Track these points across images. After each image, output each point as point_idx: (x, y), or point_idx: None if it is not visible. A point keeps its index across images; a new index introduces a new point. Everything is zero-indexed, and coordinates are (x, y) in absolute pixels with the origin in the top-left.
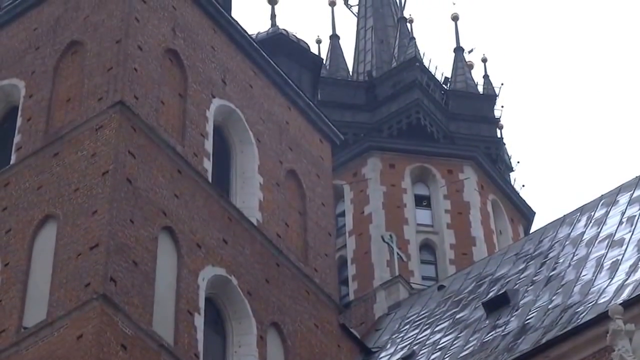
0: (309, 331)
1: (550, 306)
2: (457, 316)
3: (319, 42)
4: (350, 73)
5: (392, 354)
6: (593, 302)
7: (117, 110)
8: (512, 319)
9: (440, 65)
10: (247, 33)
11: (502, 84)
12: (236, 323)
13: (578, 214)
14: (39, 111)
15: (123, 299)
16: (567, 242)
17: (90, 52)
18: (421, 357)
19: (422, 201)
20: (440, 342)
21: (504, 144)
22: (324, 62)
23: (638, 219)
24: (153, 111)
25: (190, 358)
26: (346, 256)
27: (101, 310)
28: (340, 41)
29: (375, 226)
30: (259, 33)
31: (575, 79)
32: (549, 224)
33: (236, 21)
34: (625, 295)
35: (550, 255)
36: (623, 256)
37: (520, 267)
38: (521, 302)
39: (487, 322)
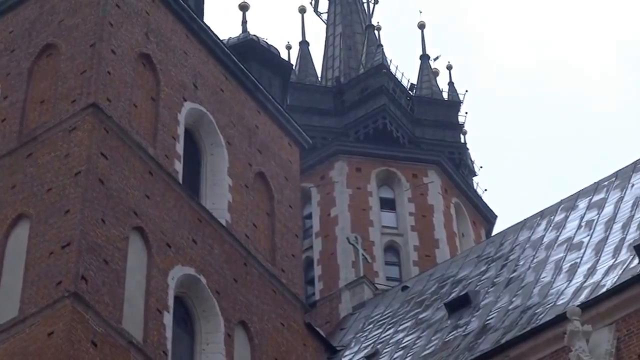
0: (276, 330)
1: (510, 307)
2: (420, 316)
3: (288, 48)
4: (319, 79)
5: (356, 353)
6: (552, 304)
7: (90, 113)
8: (473, 319)
9: (406, 72)
10: (218, 38)
11: (466, 91)
12: (204, 321)
13: (538, 218)
14: (14, 112)
15: (94, 297)
16: (527, 245)
17: (65, 55)
18: (384, 356)
19: (387, 204)
20: (403, 342)
21: (468, 149)
22: (294, 67)
23: (596, 223)
24: (125, 114)
25: (159, 355)
26: (312, 257)
27: (72, 308)
28: (310, 47)
29: (341, 228)
30: (230, 38)
31: (538, 86)
32: (510, 227)
33: (208, 27)
34: (583, 297)
35: (511, 257)
36: (581, 259)
37: (482, 269)
38: (482, 303)
39: (449, 322)
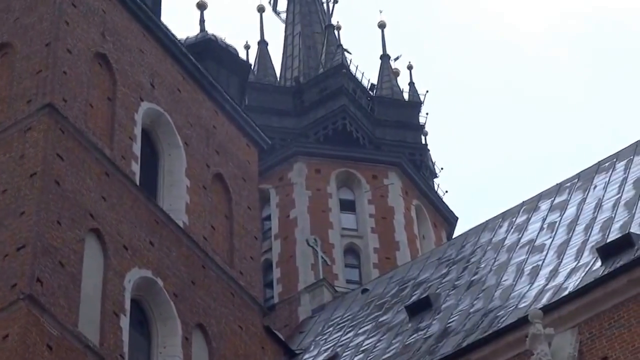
0: (234, 333)
1: (471, 310)
2: (380, 319)
3: (247, 47)
4: (278, 79)
5: (315, 356)
6: (513, 307)
7: (45, 113)
8: (434, 322)
9: (366, 72)
10: (176, 38)
11: (427, 91)
12: (161, 324)
13: (500, 220)
14: None
15: (49, 300)
16: (488, 248)
17: (20, 55)
18: (344, 359)
19: (347, 206)
20: (363, 345)
21: (429, 151)
22: (252, 67)
23: (558, 225)
24: (82, 114)
25: (115, 359)
26: (271, 259)
27: (27, 310)
28: (269, 47)
29: (301, 230)
30: (188, 38)
31: (498, 86)
32: (471, 229)
33: (165, 26)
34: (545, 300)
35: (472, 260)
36: (543, 262)
37: (443, 272)
38: (443, 305)
39: (410, 325)
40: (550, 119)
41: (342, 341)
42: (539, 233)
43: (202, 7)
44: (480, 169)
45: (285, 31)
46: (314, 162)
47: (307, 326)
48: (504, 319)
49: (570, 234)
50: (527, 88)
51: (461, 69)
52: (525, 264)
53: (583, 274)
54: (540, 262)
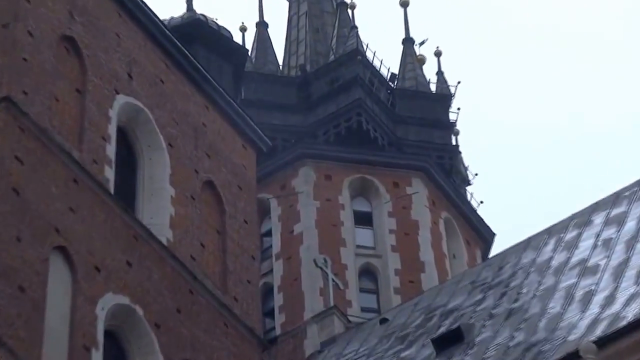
0: None
1: (511, 344)
2: (402, 354)
3: (243, 30)
4: (280, 67)
5: None
6: (561, 339)
7: (2, 108)
8: (467, 358)
9: (386, 59)
10: (158, 18)
11: (458, 82)
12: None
13: (545, 237)
14: None
15: (7, 332)
16: (532, 269)
17: None
18: None
19: (363, 219)
20: None
21: (460, 153)
22: (249, 53)
23: (615, 242)
24: (45, 109)
25: None
26: (272, 283)
27: None
28: (269, 29)
29: (307, 248)
30: (172, 18)
31: (543, 75)
32: (511, 247)
33: (145, 4)
34: (599, 331)
35: (512, 284)
36: (597, 286)
37: (477, 298)
38: (477, 338)
39: None
40: (608, 116)
41: None
42: (592, 252)
43: None
44: (521, 175)
45: (289, 10)
46: (323, 166)
47: None
48: (550, 354)
49: (630, 253)
50: (577, 76)
51: (499, 55)
52: (575, 289)
53: None
54: (593, 287)
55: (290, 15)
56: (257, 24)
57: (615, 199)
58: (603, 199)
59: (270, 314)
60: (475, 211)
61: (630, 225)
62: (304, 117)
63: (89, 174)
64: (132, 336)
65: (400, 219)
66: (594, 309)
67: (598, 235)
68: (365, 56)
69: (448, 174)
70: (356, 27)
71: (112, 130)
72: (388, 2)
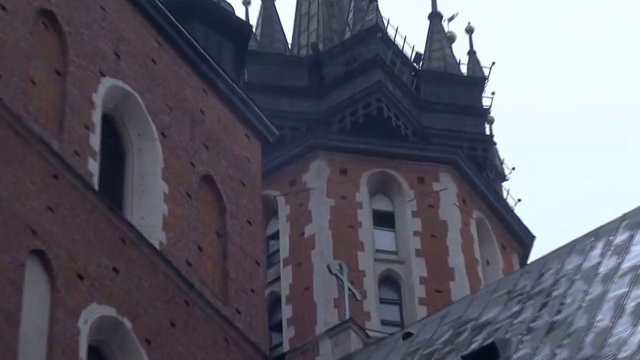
0: None
1: None
2: None
3: (247, 3)
4: (289, 46)
5: None
6: (611, 357)
7: None
8: None
9: (410, 36)
10: None
11: (493, 63)
12: None
13: (592, 239)
14: None
15: None
16: (576, 277)
17: None
18: None
19: (383, 219)
20: None
21: (495, 144)
22: (254, 30)
23: None
24: (20, 94)
25: None
26: (280, 292)
27: None
28: (277, 3)
29: (319, 253)
30: None
31: (594, 55)
32: (552, 252)
33: None
34: None
35: (554, 293)
36: None
37: (514, 310)
38: (515, 356)
39: None
40: None
41: None
42: None
43: None
44: (565, 170)
45: None
46: (338, 159)
47: None
48: None
49: None
50: (628, 55)
51: (538, 32)
52: (626, 299)
53: None
54: None
55: None
56: None
57: None
58: None
59: (277, 327)
60: (512, 210)
61: None
62: (316, 103)
63: (70, 168)
64: (119, 353)
65: (426, 219)
66: None
67: None
68: (387, 33)
69: (481, 168)
70: (376, 1)
71: (97, 117)
72: None
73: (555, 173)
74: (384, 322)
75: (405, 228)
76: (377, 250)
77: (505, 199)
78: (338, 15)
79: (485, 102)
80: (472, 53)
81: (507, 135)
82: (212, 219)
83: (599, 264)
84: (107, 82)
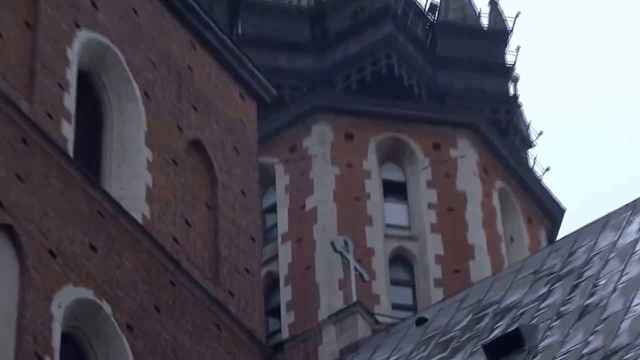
0: None
1: (585, 351)
2: None
3: None
4: None
5: None
6: None
7: None
8: None
9: None
10: None
11: (518, 14)
12: None
13: (629, 213)
14: None
15: None
16: (611, 255)
17: None
18: None
19: (394, 190)
20: None
21: (520, 106)
22: None
23: None
24: None
25: None
26: (278, 273)
27: None
28: None
29: (322, 228)
30: None
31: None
32: (584, 227)
33: None
34: None
35: (587, 274)
36: None
37: (541, 292)
38: (541, 344)
39: None
40: None
41: None
42: None
43: None
44: (598, 135)
45: None
46: (343, 122)
47: None
48: None
49: None
50: None
51: None
52: None
53: None
54: None
55: None
56: None
57: None
58: None
59: (275, 312)
60: (539, 180)
61: None
62: (318, 59)
63: (41, 132)
64: (97, 341)
65: (442, 190)
66: None
67: None
68: None
69: (504, 133)
70: None
71: (72, 75)
72: None
73: (587, 138)
74: (395, 306)
75: (418, 200)
76: (387, 225)
77: (532, 167)
78: None
79: (509, 58)
80: (493, 3)
81: (533, 96)
82: (202, 189)
83: (636, 240)
84: (83, 35)
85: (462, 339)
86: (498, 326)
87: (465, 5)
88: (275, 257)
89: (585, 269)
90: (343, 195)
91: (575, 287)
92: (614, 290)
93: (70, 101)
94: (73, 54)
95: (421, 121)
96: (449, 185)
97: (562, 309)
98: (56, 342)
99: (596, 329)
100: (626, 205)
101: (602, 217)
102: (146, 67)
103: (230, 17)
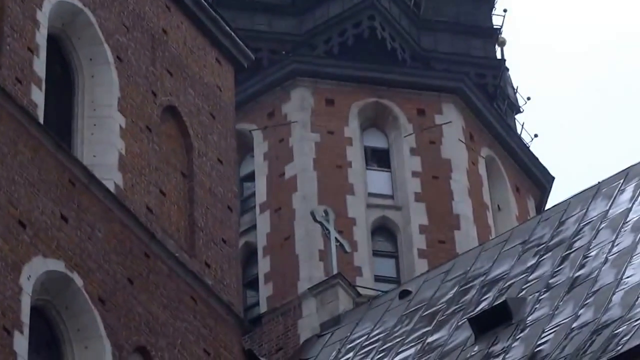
0: None
1: (575, 325)
2: (430, 339)
3: None
4: None
5: None
6: None
7: None
8: (516, 344)
9: None
10: None
11: None
12: (80, 347)
13: (620, 182)
14: None
15: None
16: (602, 225)
17: None
18: None
19: (377, 158)
20: None
21: (507, 70)
22: None
23: None
24: None
25: None
26: (255, 243)
27: None
28: None
29: (302, 197)
30: None
31: None
32: (574, 195)
33: None
34: None
35: (576, 244)
36: None
37: (530, 264)
38: (529, 317)
39: (477, 348)
40: None
41: None
42: None
43: None
44: (589, 100)
45: None
46: (323, 87)
47: (314, 350)
48: (626, 338)
49: None
50: None
51: None
52: None
53: None
54: None
55: None
56: None
57: None
58: None
59: (253, 284)
60: (527, 147)
61: None
62: (298, 21)
63: (10, 98)
64: (68, 315)
65: (426, 157)
66: None
67: None
68: None
69: (491, 98)
70: None
71: (42, 38)
72: None
73: (577, 104)
74: (378, 278)
75: (402, 168)
76: (370, 194)
77: (520, 134)
78: None
79: (496, 21)
80: None
81: (521, 60)
82: (177, 157)
83: (628, 210)
84: None
85: (447, 312)
86: (485, 299)
87: None
88: (253, 227)
89: (575, 239)
90: (324, 163)
91: (565, 258)
92: (605, 261)
93: (40, 66)
94: (43, 16)
95: (405, 86)
96: (434, 153)
97: (551, 281)
98: (25, 316)
99: (586, 302)
100: (618, 173)
101: (593, 186)
102: (119, 30)
103: None
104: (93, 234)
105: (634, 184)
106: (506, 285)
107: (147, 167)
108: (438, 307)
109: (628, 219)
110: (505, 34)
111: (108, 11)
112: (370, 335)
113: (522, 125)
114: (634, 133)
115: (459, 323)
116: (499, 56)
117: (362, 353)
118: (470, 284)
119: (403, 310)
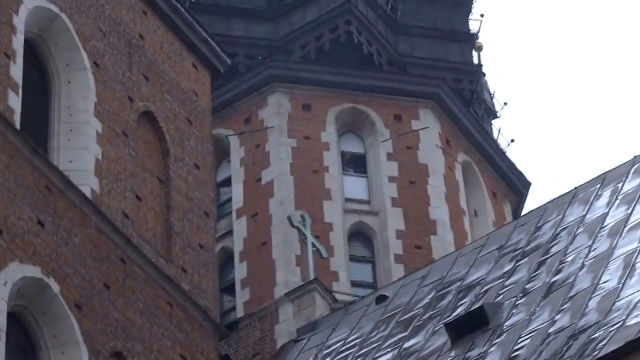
0: None
1: (551, 330)
2: (407, 344)
3: None
4: None
5: None
6: (619, 324)
7: None
8: (493, 349)
9: None
10: None
11: None
12: (57, 352)
13: (597, 187)
14: None
15: None
16: (579, 231)
17: None
18: None
19: (353, 163)
20: None
21: (484, 75)
22: None
23: None
24: None
25: None
26: (233, 249)
27: None
28: None
29: (279, 202)
30: None
31: None
32: (551, 201)
33: None
34: None
35: (553, 250)
36: None
37: (507, 269)
38: (507, 323)
39: (454, 353)
40: None
41: None
42: None
43: None
44: (566, 106)
45: None
46: (300, 93)
47: (291, 356)
48: (603, 343)
49: None
50: None
51: None
52: (637, 257)
53: None
54: None
55: None
56: None
57: None
58: None
59: (229, 289)
60: (504, 153)
61: None
62: (275, 26)
63: None
64: (45, 321)
65: (403, 163)
66: None
67: None
68: None
69: (468, 104)
70: None
71: (19, 44)
72: None
73: (554, 109)
74: (355, 284)
75: (379, 173)
76: (347, 200)
77: (497, 139)
78: None
79: (473, 26)
80: None
81: (498, 65)
82: (154, 163)
83: (605, 215)
84: (30, 2)
85: (424, 318)
86: (461, 304)
87: None
88: (230, 233)
89: (552, 244)
90: (300, 169)
91: (541, 263)
92: (582, 267)
93: (17, 71)
94: (20, 22)
95: (382, 92)
96: (411, 158)
97: (528, 286)
98: (2, 322)
99: (563, 308)
100: (595, 178)
101: (570, 191)
102: (96, 36)
103: None
104: (70, 240)
105: (610, 190)
106: (483, 290)
107: (123, 173)
108: (415, 312)
109: (605, 225)
110: (482, 40)
111: (85, 17)
112: (347, 341)
113: (499, 131)
114: (611, 139)
115: (436, 328)
116: (476, 61)
117: (340, 359)
118: (447, 290)
119: (380, 315)
